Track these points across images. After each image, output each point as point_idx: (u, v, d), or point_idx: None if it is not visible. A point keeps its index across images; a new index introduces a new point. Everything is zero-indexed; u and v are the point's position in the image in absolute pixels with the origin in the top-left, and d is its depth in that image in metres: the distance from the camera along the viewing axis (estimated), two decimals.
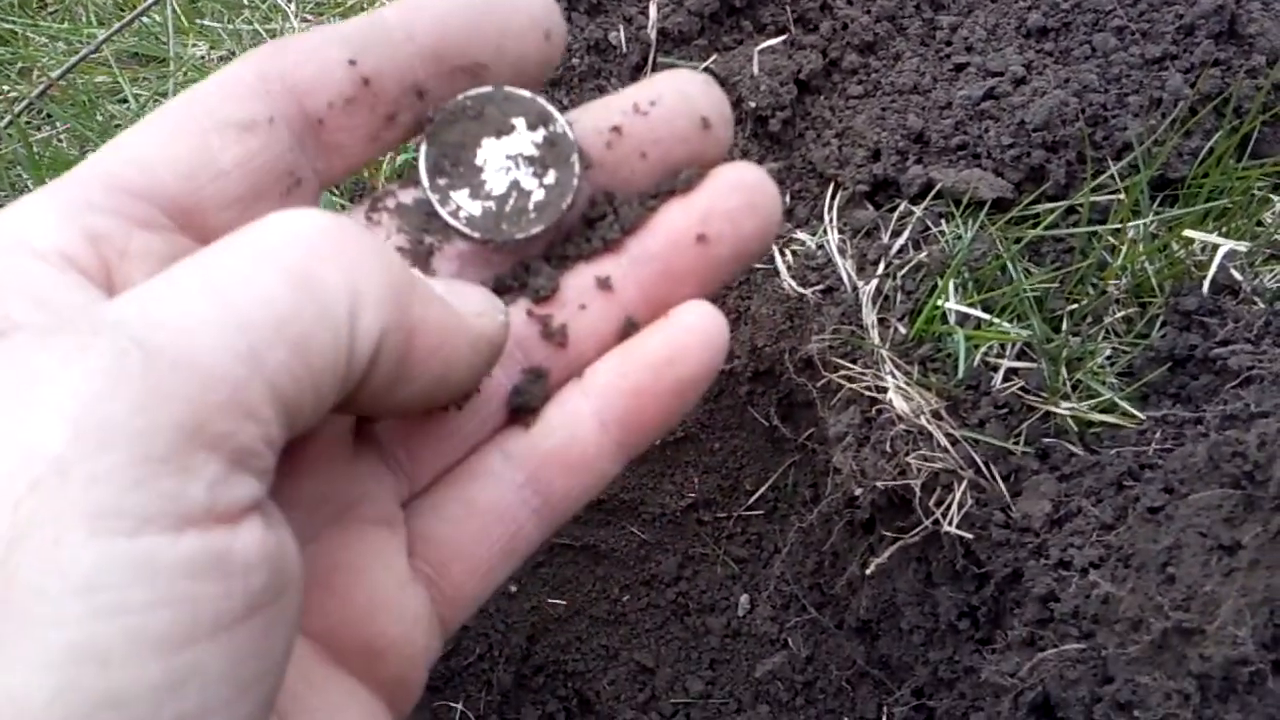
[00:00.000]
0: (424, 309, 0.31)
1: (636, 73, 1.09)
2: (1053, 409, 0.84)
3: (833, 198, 1.01)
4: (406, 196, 0.39)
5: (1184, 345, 0.84)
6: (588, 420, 0.39)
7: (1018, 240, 0.91)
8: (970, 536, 0.82)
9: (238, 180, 0.34)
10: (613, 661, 1.17)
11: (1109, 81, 0.97)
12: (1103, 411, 0.84)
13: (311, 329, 0.28)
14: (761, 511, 1.15)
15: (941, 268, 0.90)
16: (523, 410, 0.39)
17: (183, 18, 1.38)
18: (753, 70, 1.04)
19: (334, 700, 0.34)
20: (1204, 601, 0.65)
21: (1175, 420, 0.80)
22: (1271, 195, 0.95)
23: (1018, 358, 0.88)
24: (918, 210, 0.94)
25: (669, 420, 0.39)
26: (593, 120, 0.39)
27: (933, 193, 0.95)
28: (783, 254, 0.99)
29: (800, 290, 0.96)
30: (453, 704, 1.10)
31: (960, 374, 0.86)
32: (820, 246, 0.97)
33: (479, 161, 0.38)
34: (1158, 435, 0.79)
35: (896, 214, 0.96)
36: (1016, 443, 0.83)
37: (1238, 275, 0.87)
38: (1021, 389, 0.85)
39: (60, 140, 1.34)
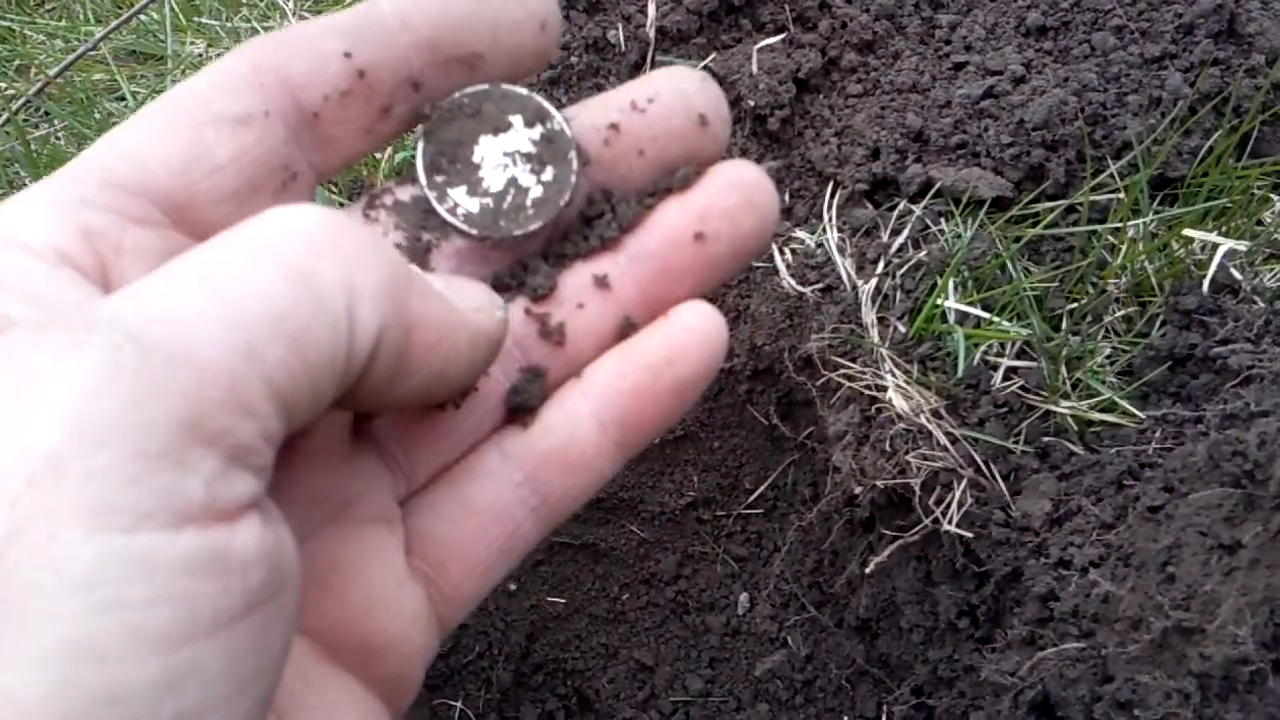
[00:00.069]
0: (422, 304, 0.31)
1: (635, 71, 1.08)
2: (1052, 408, 0.84)
3: (832, 196, 1.01)
4: (404, 194, 0.39)
5: (1184, 344, 0.83)
6: (586, 420, 0.38)
7: (1017, 239, 0.91)
8: (970, 535, 0.82)
9: (232, 175, 0.34)
10: (612, 660, 1.16)
11: (1108, 80, 0.97)
12: (1103, 410, 0.84)
13: (309, 324, 0.27)
14: (761, 510, 1.15)
15: (941, 266, 0.90)
16: (521, 409, 0.39)
17: (180, 15, 1.37)
18: (751, 69, 1.04)
19: (332, 699, 0.34)
20: (1204, 601, 0.65)
21: (1175, 419, 0.80)
22: (1271, 194, 0.95)
23: (1017, 356, 0.88)
24: (917, 209, 0.94)
25: (668, 420, 0.39)
26: (590, 117, 0.39)
27: (932, 191, 0.95)
28: (782, 253, 0.99)
29: (800, 289, 0.96)
30: (452, 702, 1.10)
31: (960, 373, 0.86)
32: (819, 245, 0.97)
33: (476, 159, 0.38)
34: (1158, 434, 0.79)
35: (896, 213, 0.96)
36: (1016, 441, 0.83)
37: (1237, 274, 0.87)
38: (1021, 388, 0.85)
39: (58, 138, 1.34)
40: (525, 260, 0.40)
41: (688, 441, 1.14)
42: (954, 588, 0.87)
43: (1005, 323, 0.88)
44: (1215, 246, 0.88)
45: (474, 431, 0.39)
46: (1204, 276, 0.87)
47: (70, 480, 0.23)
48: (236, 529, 0.26)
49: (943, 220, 0.94)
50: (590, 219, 0.40)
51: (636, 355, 0.38)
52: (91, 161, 0.33)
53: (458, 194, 0.38)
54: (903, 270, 0.91)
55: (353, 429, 0.37)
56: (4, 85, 1.41)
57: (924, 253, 0.91)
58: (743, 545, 1.17)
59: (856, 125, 1.01)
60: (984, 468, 0.83)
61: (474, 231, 0.38)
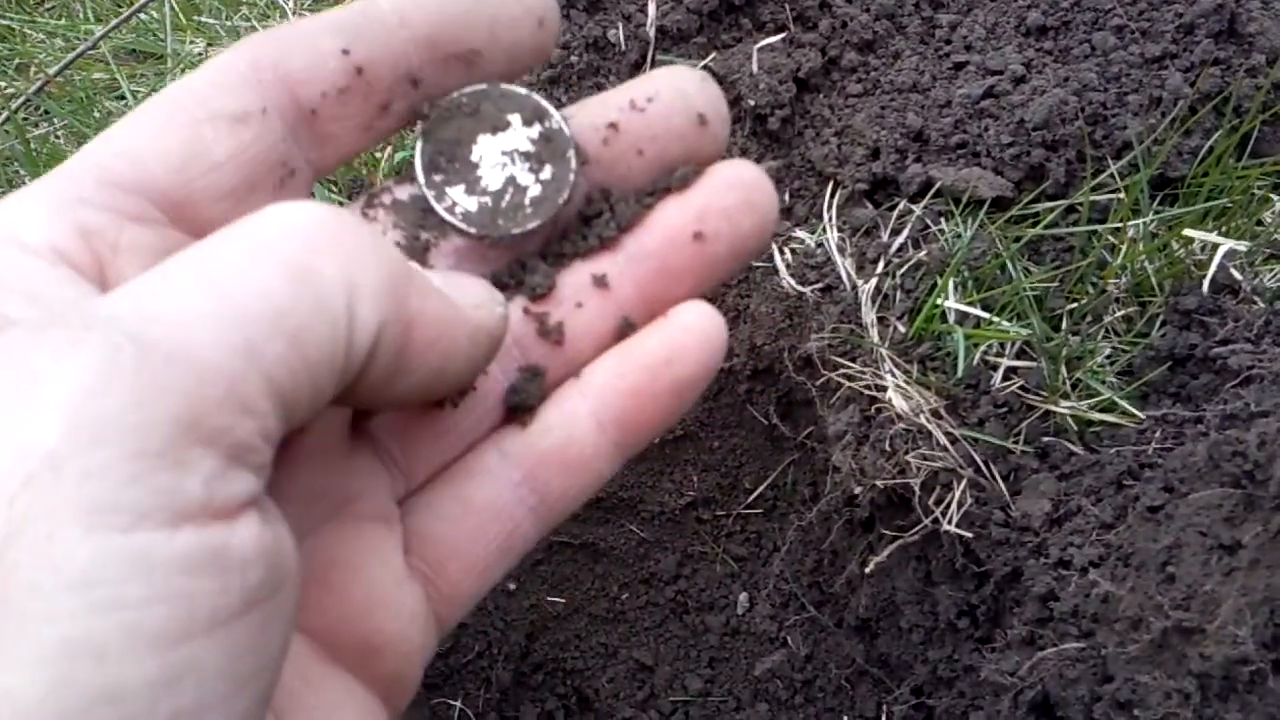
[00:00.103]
0: (422, 301, 0.31)
1: (635, 70, 1.08)
2: (1052, 408, 0.84)
3: (832, 196, 1.01)
4: (402, 193, 0.39)
5: (1184, 344, 0.83)
6: (585, 420, 0.38)
7: (1017, 239, 0.91)
8: (970, 535, 0.82)
9: (230, 172, 0.34)
10: (612, 659, 1.16)
11: (1109, 80, 0.97)
12: (1102, 410, 0.84)
13: (309, 321, 0.27)
14: (761, 510, 1.15)
15: (941, 266, 0.90)
16: (519, 409, 0.39)
17: (180, 14, 1.37)
18: (752, 68, 1.04)
19: (331, 698, 0.34)
20: (1204, 601, 0.65)
21: (1175, 419, 0.80)
22: (1271, 194, 0.95)
23: (1017, 356, 0.87)
24: (917, 209, 0.94)
25: (667, 420, 0.39)
26: (589, 116, 0.39)
27: (932, 191, 0.95)
28: (782, 252, 0.99)
29: (799, 289, 0.96)
30: (451, 701, 1.10)
31: (960, 373, 0.86)
32: (819, 245, 0.97)
33: (475, 158, 0.38)
34: (1157, 434, 0.79)
35: (896, 212, 0.96)
36: (1016, 441, 0.83)
37: (1237, 274, 0.87)
38: (1021, 388, 0.85)
39: (58, 137, 1.34)
40: (523, 259, 0.40)
41: (688, 441, 1.14)
42: (954, 588, 0.87)
43: (1005, 323, 0.88)
44: (1215, 246, 0.88)
45: (472, 431, 0.39)
46: (1204, 277, 0.87)
47: (68, 479, 0.23)
48: (235, 527, 0.26)
49: (943, 220, 0.94)
50: (589, 218, 0.40)
51: (635, 355, 0.38)
52: (88, 159, 0.33)
53: (456, 193, 0.38)
54: (903, 270, 0.91)
55: (351, 427, 0.37)
56: (4, 84, 1.41)
57: (924, 252, 0.91)
58: (742, 545, 1.17)
59: (857, 125, 1.01)
60: (984, 468, 0.83)
61: (472, 230, 0.38)
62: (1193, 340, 0.83)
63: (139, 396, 0.24)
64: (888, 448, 0.85)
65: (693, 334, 0.38)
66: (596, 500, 1.14)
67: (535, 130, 0.38)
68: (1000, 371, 0.86)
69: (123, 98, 1.30)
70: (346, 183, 1.12)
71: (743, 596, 1.16)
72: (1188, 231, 0.89)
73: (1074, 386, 0.85)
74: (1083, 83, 0.96)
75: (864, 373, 0.88)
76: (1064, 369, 0.85)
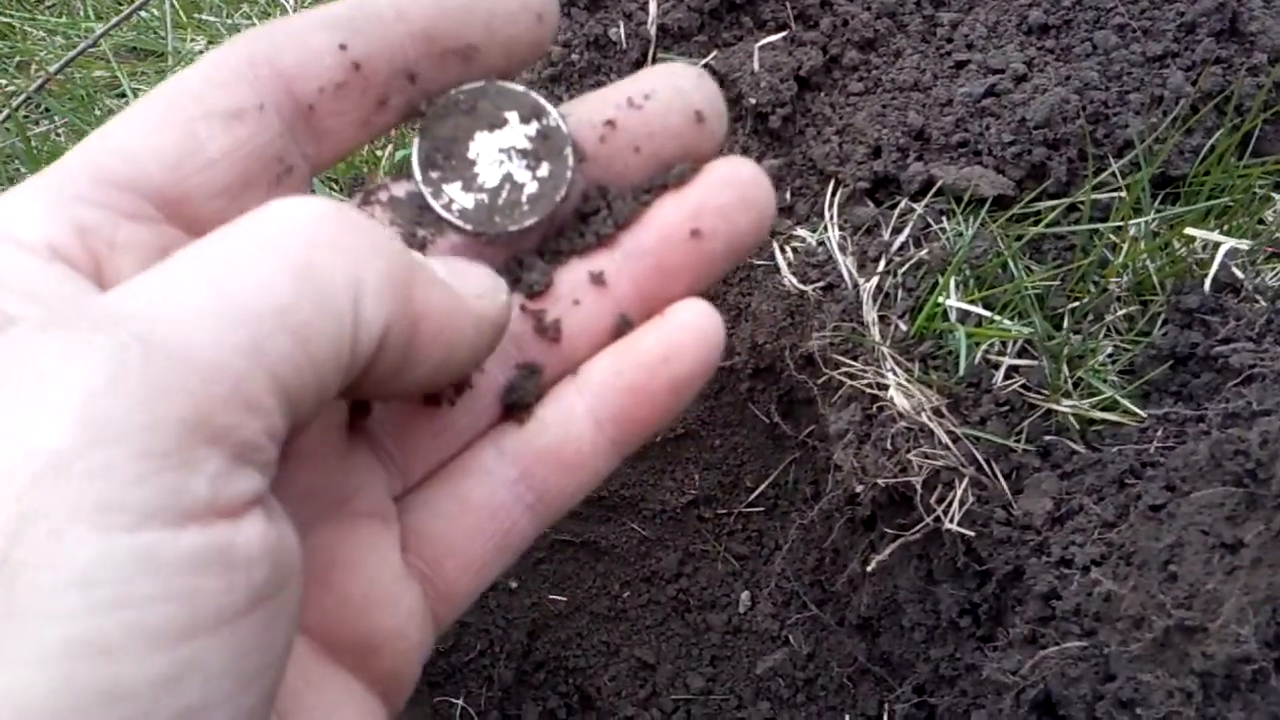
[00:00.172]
0: (426, 294, 0.31)
1: (636, 69, 1.08)
2: (1054, 406, 0.84)
3: (833, 195, 1.01)
4: (399, 189, 0.39)
5: (1185, 343, 0.83)
6: (582, 418, 0.38)
7: (1019, 237, 0.91)
8: (971, 534, 0.82)
9: (226, 169, 0.34)
10: (613, 658, 1.16)
11: (1110, 79, 0.97)
12: (1104, 409, 0.84)
13: (313, 318, 0.27)
14: (762, 508, 1.15)
15: (942, 265, 0.90)
16: (516, 406, 0.39)
17: (181, 12, 1.37)
18: (753, 67, 1.04)
19: (332, 698, 0.34)
20: (1206, 599, 0.65)
21: (1177, 418, 0.79)
22: (1273, 193, 0.95)
23: (1019, 355, 0.87)
24: (918, 207, 0.94)
25: (664, 419, 0.39)
26: (586, 114, 0.39)
27: (933, 190, 0.95)
28: (783, 251, 0.99)
29: (801, 287, 0.96)
30: (453, 700, 1.10)
31: (961, 371, 0.85)
32: (821, 243, 0.97)
33: (471, 155, 0.38)
34: (1159, 433, 0.79)
35: (897, 211, 0.95)
36: (1018, 440, 0.83)
37: (1239, 273, 0.87)
38: (1023, 386, 0.85)
39: (58, 135, 1.34)
40: (520, 256, 0.40)
41: (689, 439, 1.14)
42: (955, 586, 0.87)
43: (1007, 321, 0.88)
44: (1217, 245, 0.88)
45: (469, 428, 0.39)
46: (1206, 275, 0.87)
47: (75, 479, 0.23)
48: (241, 526, 0.26)
49: (944, 219, 0.94)
50: (586, 215, 0.40)
51: (633, 353, 0.38)
52: (84, 157, 0.33)
53: (453, 190, 0.38)
54: (904, 269, 0.91)
55: (348, 424, 0.37)
56: (4, 82, 1.41)
57: (925, 251, 0.91)
58: (744, 543, 1.17)
59: (858, 123, 1.01)
60: (985, 466, 0.83)
61: (469, 227, 0.38)
62: (1194, 339, 0.83)
63: (146, 396, 0.24)
64: (889, 446, 0.85)
65: (690, 332, 0.38)
66: (598, 498, 1.14)
67: (532, 127, 0.38)
68: (1002, 370, 0.86)
69: (123, 95, 1.30)
70: (347, 181, 1.12)
71: (744, 595, 1.16)
72: (1189, 230, 0.89)
73: (1076, 385, 0.85)
74: (1084, 81, 0.95)
75: (865, 371, 0.88)
76: (1065, 367, 0.85)
